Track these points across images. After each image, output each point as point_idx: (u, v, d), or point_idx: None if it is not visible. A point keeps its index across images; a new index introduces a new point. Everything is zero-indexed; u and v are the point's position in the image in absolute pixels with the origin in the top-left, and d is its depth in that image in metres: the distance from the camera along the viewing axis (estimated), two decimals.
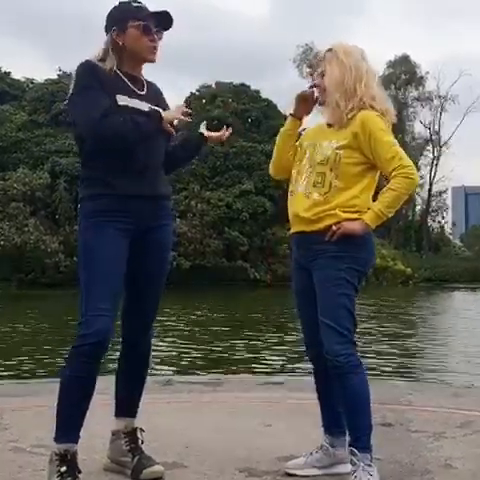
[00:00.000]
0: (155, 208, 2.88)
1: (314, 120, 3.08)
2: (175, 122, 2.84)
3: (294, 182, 2.94)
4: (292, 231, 2.96)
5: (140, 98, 2.83)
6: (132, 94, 2.82)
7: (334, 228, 2.76)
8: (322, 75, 2.92)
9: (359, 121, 2.80)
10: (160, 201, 2.92)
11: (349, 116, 2.81)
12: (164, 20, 2.86)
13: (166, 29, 2.89)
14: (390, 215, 2.84)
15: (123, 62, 2.85)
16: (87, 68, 2.79)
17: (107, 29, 2.86)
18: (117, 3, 2.89)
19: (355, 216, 2.79)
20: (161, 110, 2.81)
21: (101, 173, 2.77)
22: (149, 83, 2.96)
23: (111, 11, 2.87)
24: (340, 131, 2.84)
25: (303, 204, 2.85)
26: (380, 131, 2.80)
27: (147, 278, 2.91)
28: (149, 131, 2.76)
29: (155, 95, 2.95)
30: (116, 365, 3.03)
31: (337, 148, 2.81)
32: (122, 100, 2.77)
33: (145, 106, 2.82)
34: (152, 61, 2.88)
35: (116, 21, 2.83)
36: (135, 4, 2.84)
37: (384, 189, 2.81)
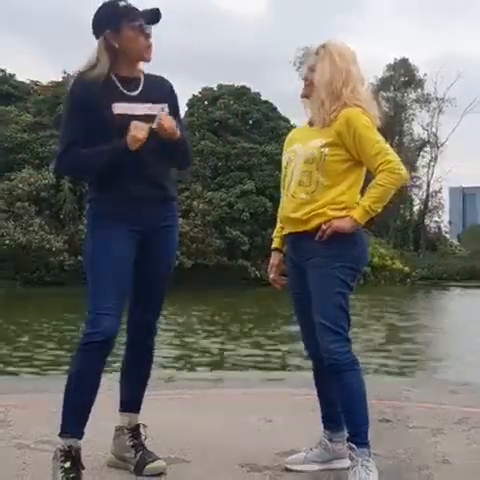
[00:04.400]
0: (161, 209, 2.91)
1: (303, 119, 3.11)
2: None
3: (284, 184, 2.96)
4: (285, 232, 2.99)
5: (133, 100, 2.81)
6: (125, 98, 2.79)
7: (323, 227, 2.77)
8: (311, 69, 2.92)
9: (343, 119, 2.80)
10: (166, 202, 2.95)
11: (332, 116, 2.81)
12: (152, 16, 2.83)
13: (154, 23, 2.84)
14: (378, 210, 2.81)
15: (118, 64, 2.82)
16: (74, 91, 2.81)
17: (98, 32, 2.80)
18: (101, 5, 2.81)
19: (343, 213, 2.78)
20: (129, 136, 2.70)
21: (108, 175, 2.80)
22: (149, 79, 2.90)
23: (99, 13, 2.80)
24: (324, 129, 2.83)
25: (291, 205, 2.87)
26: (364, 128, 2.79)
27: (152, 278, 2.94)
28: (109, 160, 2.73)
29: (156, 92, 2.87)
30: (120, 363, 3.05)
31: (322, 146, 2.81)
32: (119, 108, 2.76)
33: (140, 108, 2.78)
34: (148, 60, 2.87)
35: (109, 23, 2.77)
36: (122, 3, 2.78)
37: (371, 184, 2.79)
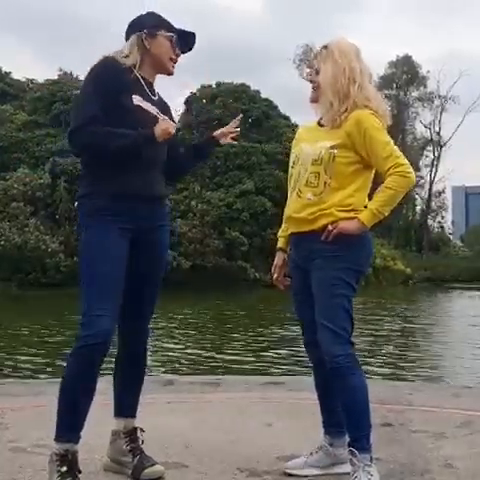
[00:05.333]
0: (154, 208, 2.89)
1: (308, 117, 3.08)
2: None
3: (290, 183, 2.93)
4: (289, 232, 2.96)
5: (152, 103, 2.88)
6: (146, 97, 2.86)
7: (330, 228, 2.75)
8: (317, 72, 2.90)
9: (353, 120, 2.78)
10: (159, 201, 2.94)
11: (342, 117, 2.79)
12: (187, 42, 2.97)
13: (184, 52, 2.99)
14: (386, 214, 2.80)
15: (142, 66, 2.89)
16: (102, 68, 2.82)
17: (133, 30, 2.91)
18: (144, 12, 2.98)
19: (351, 215, 2.76)
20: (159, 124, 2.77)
21: (103, 172, 2.77)
22: (160, 97, 3.00)
23: (140, 17, 2.95)
24: (334, 131, 2.81)
25: (296, 204, 2.85)
26: (375, 130, 2.78)
27: (145, 279, 2.91)
28: (131, 145, 2.73)
29: (164, 105, 2.99)
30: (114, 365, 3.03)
31: (331, 147, 2.78)
32: (138, 100, 2.81)
33: (155, 110, 2.86)
34: (171, 73, 2.96)
35: (147, 25, 2.90)
36: (162, 17, 2.96)
37: (380, 188, 2.78)
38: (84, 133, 2.72)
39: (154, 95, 2.93)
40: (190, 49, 3.03)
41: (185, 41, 2.98)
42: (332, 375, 2.76)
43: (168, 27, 2.93)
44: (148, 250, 2.88)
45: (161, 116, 2.85)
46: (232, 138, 3.11)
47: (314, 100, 2.95)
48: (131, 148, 2.72)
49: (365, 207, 2.80)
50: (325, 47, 2.89)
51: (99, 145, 2.73)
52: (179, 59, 2.98)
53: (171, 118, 2.99)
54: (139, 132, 2.72)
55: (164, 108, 2.98)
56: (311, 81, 2.94)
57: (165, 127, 2.73)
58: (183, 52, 2.99)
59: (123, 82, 2.79)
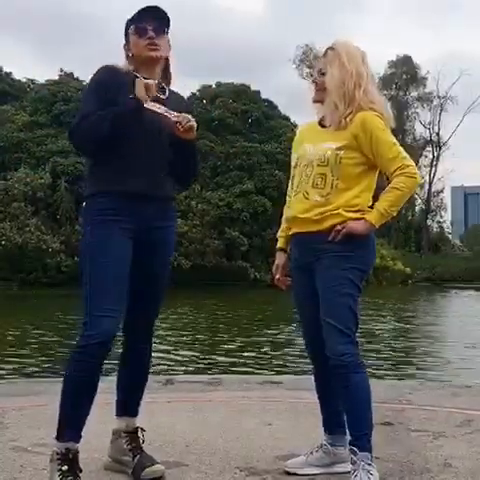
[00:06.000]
0: (160, 208, 2.88)
1: (308, 118, 3.08)
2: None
3: (293, 184, 2.94)
4: (292, 232, 2.95)
5: (159, 101, 2.84)
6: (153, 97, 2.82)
7: (338, 227, 2.75)
8: (321, 72, 2.90)
9: (359, 121, 2.79)
10: (165, 202, 2.94)
11: (348, 119, 2.80)
12: (158, 16, 2.87)
13: (165, 26, 2.90)
14: (394, 214, 2.83)
15: (139, 70, 2.88)
16: (101, 72, 2.84)
17: None
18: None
19: (358, 215, 2.78)
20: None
21: (108, 171, 2.77)
22: (172, 91, 2.98)
23: None
24: (339, 132, 2.82)
25: (301, 205, 2.84)
26: (381, 131, 2.79)
27: (150, 279, 2.91)
28: (120, 114, 2.71)
29: (176, 102, 2.94)
30: (117, 365, 3.03)
31: (337, 149, 2.79)
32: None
33: (162, 108, 2.82)
34: (153, 57, 2.87)
35: (124, 36, 2.93)
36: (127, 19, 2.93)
37: (387, 188, 2.79)
38: (81, 126, 2.73)
39: (164, 94, 2.90)
40: (163, 23, 2.90)
41: (158, 18, 2.87)
42: (335, 373, 2.76)
43: (132, 22, 2.89)
44: (153, 250, 2.88)
45: (171, 114, 2.81)
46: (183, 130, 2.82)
47: (317, 100, 2.96)
48: (121, 117, 2.71)
49: (370, 207, 2.82)
50: (331, 49, 2.89)
51: (94, 130, 2.71)
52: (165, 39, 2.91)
53: (190, 113, 2.91)
54: (124, 100, 2.71)
55: (179, 105, 2.91)
56: (314, 81, 2.94)
57: (143, 83, 2.70)
58: (162, 31, 2.89)
59: (122, 83, 2.78)
